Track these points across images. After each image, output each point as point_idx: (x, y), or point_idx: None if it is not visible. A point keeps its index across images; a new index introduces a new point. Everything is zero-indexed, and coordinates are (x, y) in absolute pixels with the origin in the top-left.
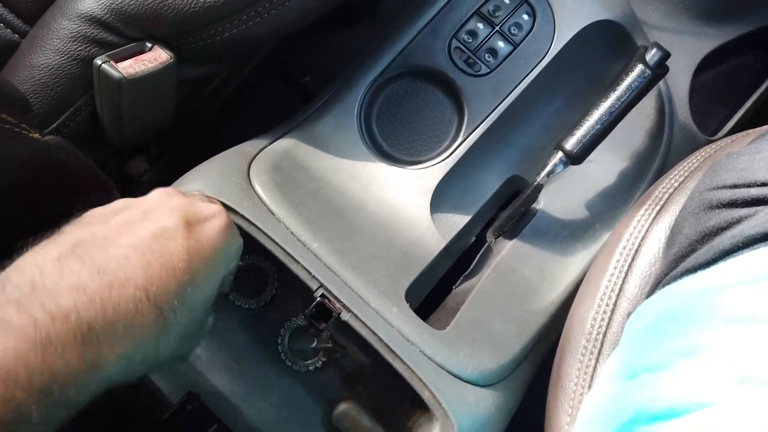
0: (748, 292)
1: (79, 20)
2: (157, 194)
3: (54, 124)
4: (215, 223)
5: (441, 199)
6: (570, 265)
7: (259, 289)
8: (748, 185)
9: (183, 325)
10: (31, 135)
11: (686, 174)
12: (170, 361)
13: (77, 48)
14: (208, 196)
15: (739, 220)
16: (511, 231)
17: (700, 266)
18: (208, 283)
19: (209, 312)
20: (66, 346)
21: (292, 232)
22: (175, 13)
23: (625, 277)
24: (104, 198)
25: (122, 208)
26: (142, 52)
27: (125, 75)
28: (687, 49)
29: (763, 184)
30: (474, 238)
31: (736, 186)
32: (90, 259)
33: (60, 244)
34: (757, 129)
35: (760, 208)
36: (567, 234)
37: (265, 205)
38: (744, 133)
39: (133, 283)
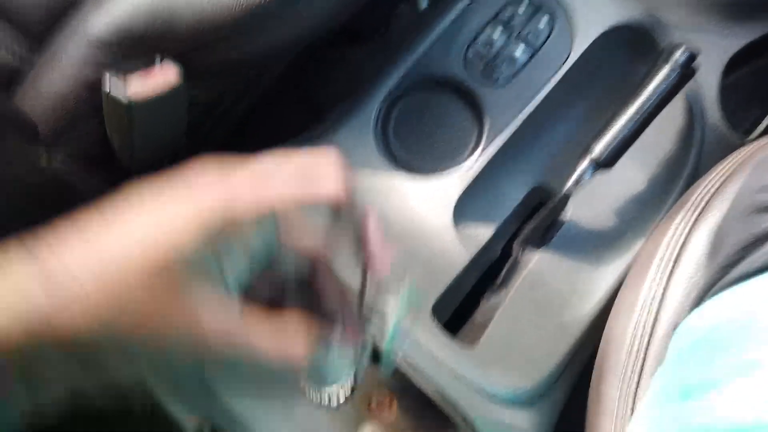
0: None
1: (88, 45)
2: None
3: (64, 148)
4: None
5: (464, 210)
6: (602, 276)
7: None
8: None
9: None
10: (40, 160)
11: (724, 177)
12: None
13: (86, 73)
14: None
15: None
16: (539, 242)
17: (753, 273)
18: None
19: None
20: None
21: None
22: (187, 29)
23: (666, 287)
24: None
25: None
26: (152, 66)
27: (134, 98)
28: (714, 48)
29: None
30: (500, 251)
31: None
32: None
33: None
34: None
35: None
36: (597, 243)
37: None
38: None
39: None
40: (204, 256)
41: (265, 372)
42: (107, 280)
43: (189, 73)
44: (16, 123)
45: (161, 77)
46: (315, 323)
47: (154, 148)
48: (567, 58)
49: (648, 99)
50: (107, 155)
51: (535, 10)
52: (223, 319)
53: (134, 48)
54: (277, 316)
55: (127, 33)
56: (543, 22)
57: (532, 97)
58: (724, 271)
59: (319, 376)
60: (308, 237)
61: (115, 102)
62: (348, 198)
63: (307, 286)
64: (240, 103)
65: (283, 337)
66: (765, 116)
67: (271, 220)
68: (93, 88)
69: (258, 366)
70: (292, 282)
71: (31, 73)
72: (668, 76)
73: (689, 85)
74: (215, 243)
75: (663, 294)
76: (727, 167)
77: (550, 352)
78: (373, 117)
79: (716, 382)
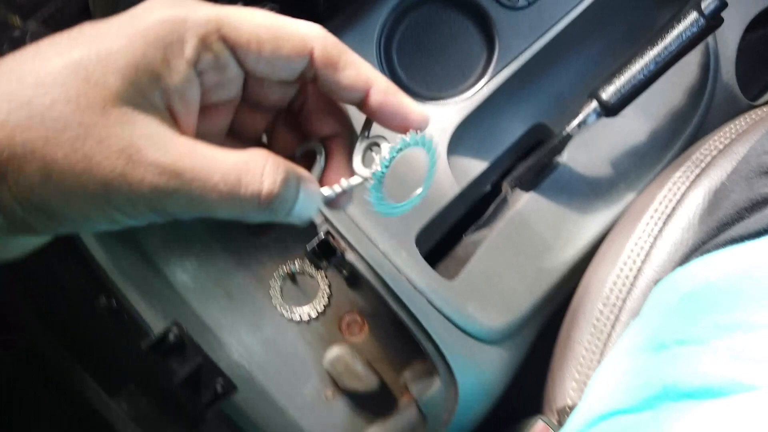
0: None
1: None
2: None
3: (39, 13)
4: None
5: (459, 141)
6: (589, 224)
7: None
8: None
9: None
10: (10, 21)
11: (733, 136)
12: None
13: None
14: None
15: None
16: (530, 183)
17: (749, 236)
18: None
19: None
20: None
21: None
22: None
23: (654, 242)
24: None
25: None
26: None
27: None
28: (740, 5)
29: None
30: (490, 187)
31: None
32: None
33: None
34: None
35: None
36: (588, 191)
37: None
38: None
39: None
40: (142, 74)
41: (215, 207)
42: (25, 100)
43: None
44: None
45: None
46: (282, 161)
47: None
48: None
49: (668, 46)
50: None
51: None
52: (164, 146)
53: None
54: (238, 150)
55: None
56: None
57: (549, 28)
58: (719, 230)
59: (284, 215)
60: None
61: None
62: (330, 57)
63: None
64: None
65: (236, 172)
66: None
67: (220, 42)
68: None
69: (205, 201)
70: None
71: None
72: (694, 23)
73: (708, 40)
74: (155, 60)
75: (650, 248)
76: (737, 128)
77: (527, 293)
78: (377, 30)
79: (697, 339)
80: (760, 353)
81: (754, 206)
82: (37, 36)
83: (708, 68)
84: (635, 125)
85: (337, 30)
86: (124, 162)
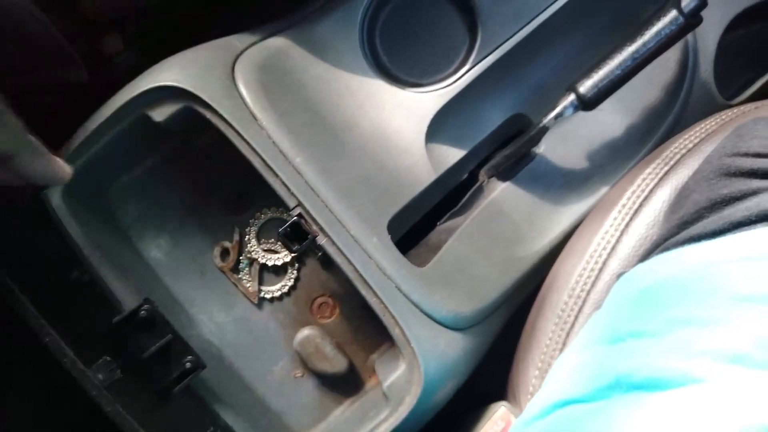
0: (759, 270)
1: None
2: None
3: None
4: None
5: (438, 128)
6: (562, 216)
7: (238, 198)
8: None
9: None
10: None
11: (702, 136)
12: None
13: None
14: None
15: (755, 192)
16: (506, 172)
17: (706, 235)
18: None
19: None
20: None
21: (274, 142)
22: None
23: (620, 237)
24: (70, 76)
25: None
26: None
27: None
28: (721, 4)
29: None
30: (467, 175)
31: (759, 155)
32: None
33: None
34: None
35: None
36: (563, 183)
37: (247, 107)
38: None
39: None
40: None
41: None
42: None
43: None
44: None
45: None
46: None
47: None
48: None
49: (647, 42)
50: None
51: None
52: None
53: None
54: None
55: None
56: None
57: (532, 17)
58: (680, 228)
59: None
60: None
61: None
62: None
63: None
64: None
65: None
66: (752, 82)
67: None
68: None
69: None
70: None
71: None
72: (673, 21)
73: (688, 38)
74: None
75: (616, 242)
76: (707, 127)
77: (496, 282)
78: (362, 10)
79: (651, 332)
80: (711, 347)
81: (713, 206)
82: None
83: (686, 66)
84: (612, 119)
85: (322, 10)
86: None
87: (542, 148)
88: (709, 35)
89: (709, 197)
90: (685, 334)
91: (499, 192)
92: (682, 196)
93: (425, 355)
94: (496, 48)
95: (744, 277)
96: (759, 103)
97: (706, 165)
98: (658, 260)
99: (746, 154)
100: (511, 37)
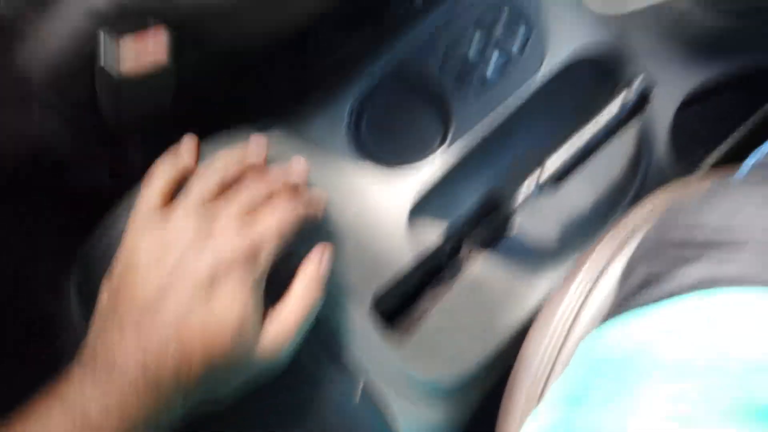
0: (674, 342)
1: (84, 16)
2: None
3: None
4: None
5: (420, 208)
6: (538, 285)
7: None
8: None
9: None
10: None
11: (651, 208)
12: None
13: (80, 43)
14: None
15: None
16: (485, 247)
17: (636, 311)
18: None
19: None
20: None
21: None
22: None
23: (581, 307)
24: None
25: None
26: (145, 29)
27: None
28: (673, 82)
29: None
30: (448, 249)
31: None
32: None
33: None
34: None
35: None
36: (538, 255)
37: None
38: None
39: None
40: None
41: None
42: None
43: (183, 42)
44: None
45: (152, 42)
46: None
47: (140, 115)
48: (539, 72)
49: (600, 124)
50: (95, 118)
51: (515, 20)
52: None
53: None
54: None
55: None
56: (520, 33)
57: (498, 109)
58: (622, 303)
59: None
60: None
61: (105, 73)
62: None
63: None
64: (224, 80)
65: None
66: (707, 156)
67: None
68: (84, 57)
69: None
70: None
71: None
72: (624, 103)
73: (645, 116)
74: None
75: (578, 312)
76: (656, 201)
77: (476, 350)
78: (346, 115)
79: (589, 399)
80: (639, 419)
81: (647, 281)
82: None
83: (642, 142)
84: (580, 194)
85: (311, 109)
86: None
87: (517, 224)
88: (663, 113)
89: (646, 273)
90: (616, 406)
91: (479, 264)
92: (628, 269)
93: (407, 425)
94: (468, 134)
95: (668, 348)
96: (688, 179)
97: (645, 240)
98: (603, 330)
99: (671, 245)
100: (479, 126)
